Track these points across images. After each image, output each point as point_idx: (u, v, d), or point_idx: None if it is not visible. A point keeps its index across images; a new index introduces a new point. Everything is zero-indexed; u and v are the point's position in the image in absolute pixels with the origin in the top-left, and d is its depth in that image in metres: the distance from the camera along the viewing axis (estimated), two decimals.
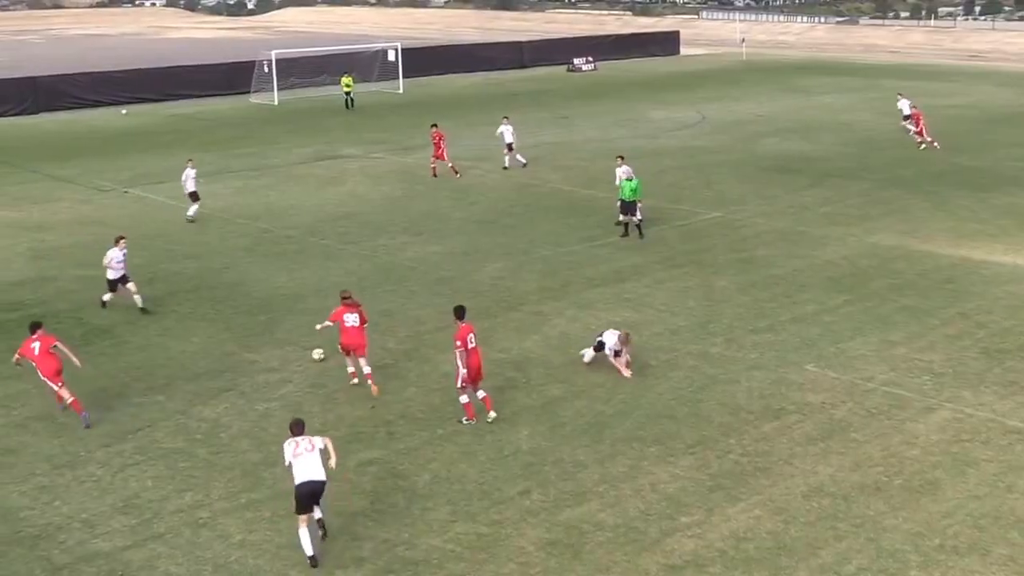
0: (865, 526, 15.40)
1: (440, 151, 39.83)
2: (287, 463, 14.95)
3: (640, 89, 68.92)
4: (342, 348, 20.55)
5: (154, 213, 35.57)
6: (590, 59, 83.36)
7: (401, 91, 68.93)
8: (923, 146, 44.47)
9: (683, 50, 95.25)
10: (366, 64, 72.09)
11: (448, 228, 32.76)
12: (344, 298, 20.49)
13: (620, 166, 32.62)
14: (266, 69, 66.40)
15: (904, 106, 48.17)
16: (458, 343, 18.43)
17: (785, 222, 32.76)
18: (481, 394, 18.96)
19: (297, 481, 14.76)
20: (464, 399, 18.80)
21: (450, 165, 39.86)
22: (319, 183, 39.97)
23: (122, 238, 25.49)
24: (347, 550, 15.05)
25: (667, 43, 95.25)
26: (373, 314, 24.54)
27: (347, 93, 61.38)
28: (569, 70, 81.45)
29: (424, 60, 78.30)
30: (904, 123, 47.58)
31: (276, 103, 63.63)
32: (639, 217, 30.94)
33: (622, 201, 30.88)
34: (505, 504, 16.18)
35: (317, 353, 21.89)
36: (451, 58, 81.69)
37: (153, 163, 44.66)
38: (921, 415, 18.99)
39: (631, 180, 30.83)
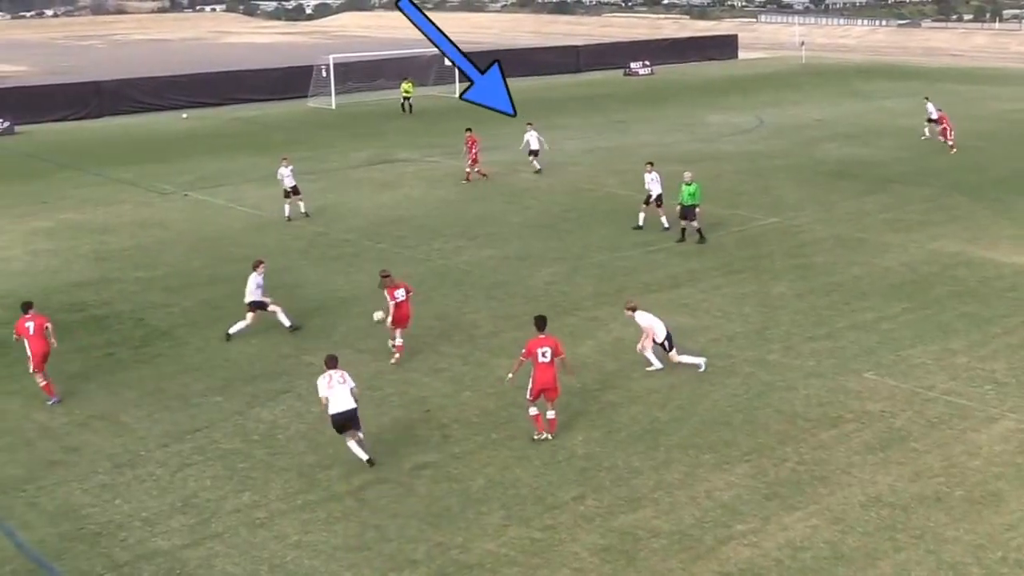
0: (925, 537, 15.23)
1: (474, 156, 39.91)
2: (323, 396, 17.32)
3: (697, 93, 68.65)
4: (394, 323, 22.09)
5: (213, 216, 36.02)
6: (646, 63, 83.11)
7: (457, 95, 69.11)
8: (953, 149, 44.39)
9: (741, 54, 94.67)
10: (422, 68, 72.39)
11: (503, 232, 32.85)
12: (384, 276, 22.31)
13: (649, 172, 32.53)
14: (324, 73, 66.95)
15: (931, 109, 48.02)
16: (523, 354, 18.17)
17: (844, 228, 32.48)
18: (551, 414, 18.39)
19: (332, 411, 17.31)
20: (532, 411, 18.35)
21: (477, 169, 40.04)
22: (375, 187, 40.25)
23: (261, 263, 24.18)
24: (401, 552, 15.16)
25: (725, 47, 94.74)
26: (427, 318, 24.77)
27: (406, 98, 61.69)
28: (625, 74, 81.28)
29: (481, 63, 78.34)
30: (929, 125, 47.53)
31: (333, 107, 64.15)
32: (697, 223, 30.83)
33: (681, 206, 30.75)
34: (559, 509, 16.20)
35: (378, 315, 22.43)
36: (507, 62, 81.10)
37: (212, 166, 45.23)
38: (983, 425, 18.74)
39: (690, 184, 30.71)
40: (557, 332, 23.41)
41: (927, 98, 50.33)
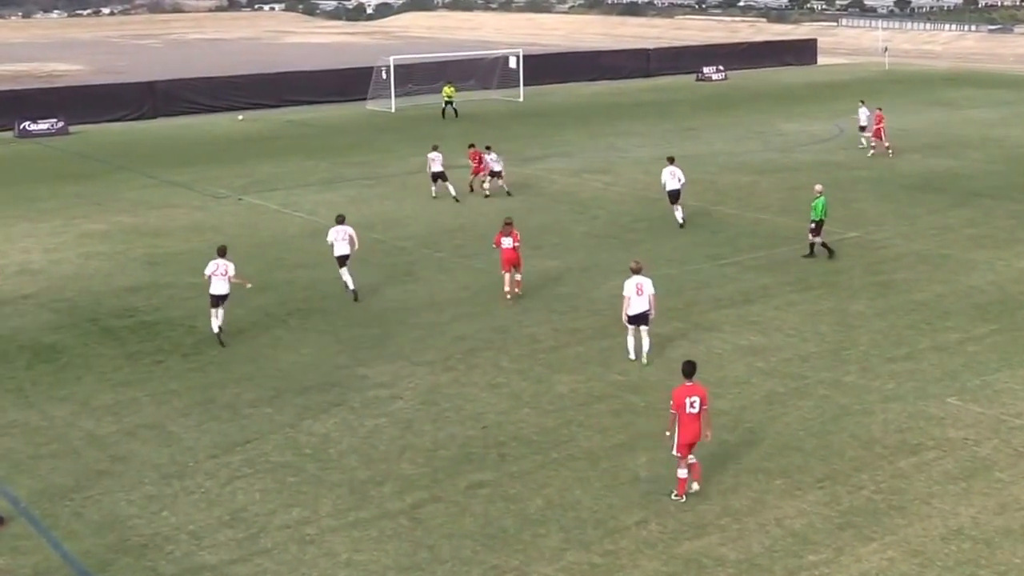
0: (1010, 574, 14.95)
1: (479, 168, 39.37)
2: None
3: (773, 100, 68.20)
4: (502, 268, 26.92)
5: (268, 221, 36.42)
6: (720, 68, 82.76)
7: (521, 99, 69.35)
8: (872, 152, 45.22)
9: (820, 59, 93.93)
10: (486, 71, 72.69)
11: (567, 242, 32.84)
12: (507, 223, 26.89)
13: (667, 167, 34.08)
14: (384, 75, 67.42)
15: (863, 115, 48.39)
16: (672, 406, 16.88)
17: (927, 244, 32.06)
18: (691, 459, 17.11)
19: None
20: (682, 473, 17.04)
21: (469, 180, 39.64)
22: (426, 193, 40.43)
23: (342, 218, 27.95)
24: (455, 574, 15.18)
25: (803, 52, 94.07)
26: (486, 330, 24.84)
27: (448, 102, 61.86)
28: (698, 79, 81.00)
29: (546, 67, 78.66)
30: (862, 134, 48.05)
31: (393, 110, 64.60)
32: (821, 238, 30.63)
33: (815, 221, 30.41)
34: (621, 534, 16.12)
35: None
36: (574, 65, 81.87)
37: (268, 170, 45.73)
38: None
39: (822, 197, 30.45)
40: (622, 348, 23.45)
41: (862, 101, 50.04)
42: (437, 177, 39.21)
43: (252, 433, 19.79)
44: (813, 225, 30.54)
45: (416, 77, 69.96)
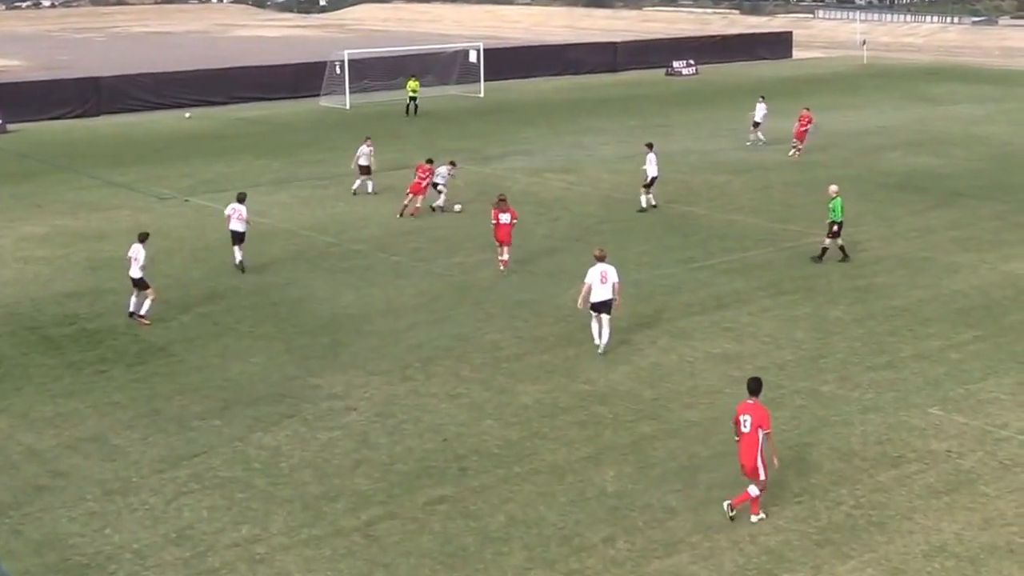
0: None
1: (419, 187, 36.75)
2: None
3: (746, 95, 68.44)
4: (496, 240, 29.46)
5: (216, 224, 36.13)
6: (691, 62, 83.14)
7: (482, 95, 69.40)
8: (796, 154, 45.72)
9: (796, 53, 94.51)
10: (445, 65, 72.65)
11: (529, 245, 32.86)
12: (501, 199, 29.77)
13: (648, 153, 36.33)
14: (338, 70, 67.23)
15: (760, 111, 48.96)
16: (734, 419, 16.98)
17: (908, 247, 32.33)
18: (753, 490, 16.92)
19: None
20: (752, 489, 16.83)
21: (417, 204, 36.78)
22: (391, 194, 40.32)
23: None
24: None
25: (778, 45, 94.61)
26: (445, 338, 24.82)
27: (412, 98, 61.80)
28: (667, 74, 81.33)
29: (508, 61, 78.72)
30: (755, 130, 48.68)
31: (347, 107, 64.46)
32: (840, 242, 30.81)
33: (835, 223, 30.49)
34: (587, 552, 16.14)
35: (458, 207, 31.32)
36: (537, 59, 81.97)
37: (216, 170, 45.51)
38: None
39: (839, 198, 30.61)
40: (587, 356, 23.51)
41: (762, 97, 50.55)
42: (363, 171, 39.84)
43: (199, 447, 19.67)
44: (835, 228, 30.57)
45: (372, 72, 69.81)
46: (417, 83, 62.52)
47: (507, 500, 17.65)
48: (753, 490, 16.82)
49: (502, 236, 29.63)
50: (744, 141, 49.32)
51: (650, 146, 36.94)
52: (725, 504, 16.89)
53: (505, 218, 29.51)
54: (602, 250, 24.11)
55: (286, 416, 20.94)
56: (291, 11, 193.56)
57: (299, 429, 20.37)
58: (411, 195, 36.81)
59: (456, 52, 74.86)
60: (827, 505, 17.33)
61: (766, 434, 16.61)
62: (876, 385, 22.08)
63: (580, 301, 23.78)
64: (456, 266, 30.95)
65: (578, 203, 38.58)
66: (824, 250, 30.74)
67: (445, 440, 19.84)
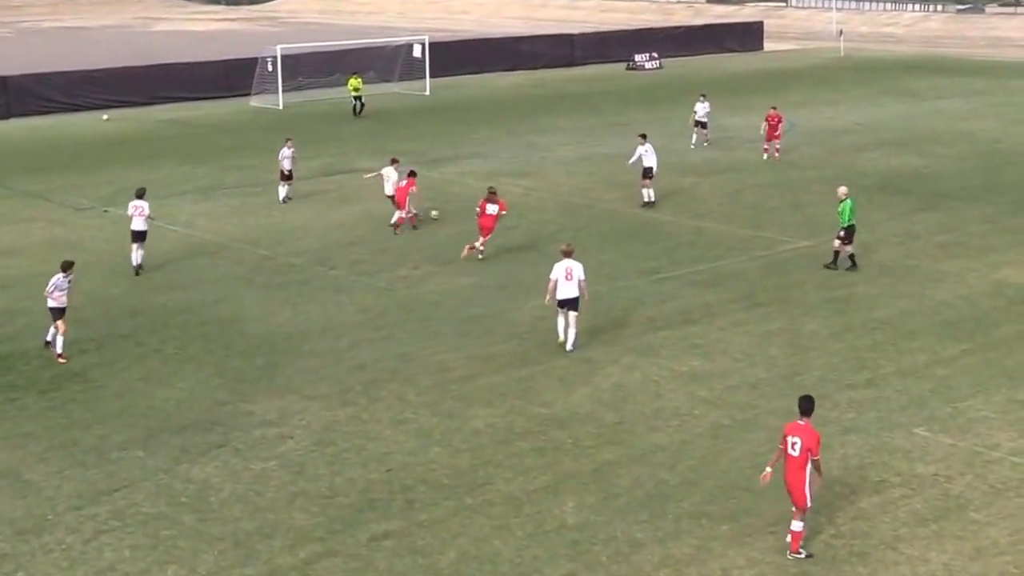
0: None
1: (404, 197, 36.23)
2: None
3: (714, 91, 68.83)
4: (480, 229, 31.79)
5: None
6: (654, 55, 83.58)
7: (428, 92, 69.42)
8: (766, 156, 45.95)
9: (767, 45, 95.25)
10: (387, 61, 72.57)
11: (481, 257, 32.91)
12: (491, 191, 32.00)
13: (643, 144, 38.23)
14: (269, 67, 67.00)
15: (701, 109, 49.48)
16: (780, 441, 17.00)
17: (890, 254, 32.63)
18: (795, 526, 16.88)
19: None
20: (795, 525, 16.83)
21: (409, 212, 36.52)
22: (329, 202, 40.31)
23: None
24: None
25: (748, 36, 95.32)
26: (389, 359, 24.80)
27: (356, 97, 61.76)
28: (629, 68, 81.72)
29: (456, 56, 78.78)
30: (697, 130, 49.37)
31: (280, 107, 64.28)
32: (851, 248, 31.08)
33: (846, 228, 30.80)
34: None
35: (435, 213, 33.99)
36: (488, 54, 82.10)
37: (138, 177, 45.03)
38: None
39: (849, 200, 30.87)
40: (544, 377, 23.58)
41: (703, 95, 50.94)
42: (283, 177, 40.08)
43: (121, 480, 19.54)
44: (842, 233, 30.86)
45: (307, 69, 69.64)
46: (359, 80, 62.47)
47: (458, 535, 17.65)
48: (797, 526, 16.78)
49: (486, 224, 31.76)
50: (702, 142, 49.49)
51: (644, 137, 38.87)
52: (789, 556, 16.74)
53: (492, 209, 31.63)
54: (569, 245, 25.74)
55: (216, 446, 20.84)
56: (218, 3, 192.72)
57: (230, 460, 20.27)
58: (402, 212, 36.01)
59: (399, 46, 74.80)
60: (805, 535, 17.41)
61: (815, 461, 16.62)
62: (857, 404, 22.26)
63: (547, 297, 25.18)
64: (401, 280, 30.94)
65: (535, 209, 38.67)
66: (836, 253, 30.99)
67: (390, 470, 19.80)
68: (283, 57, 66.78)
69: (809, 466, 16.57)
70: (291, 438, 21.11)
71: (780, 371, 24.05)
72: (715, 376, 23.71)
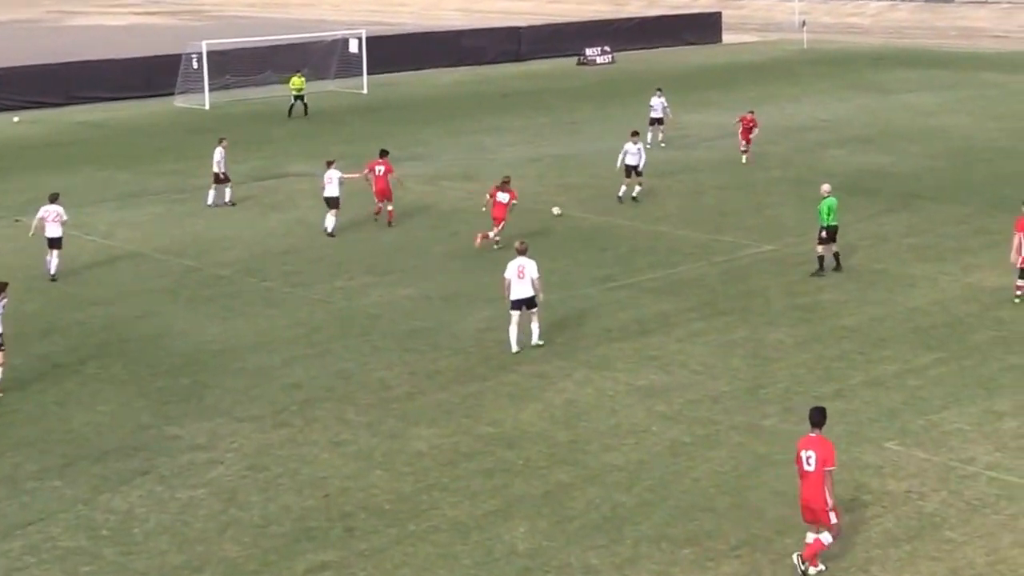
0: None
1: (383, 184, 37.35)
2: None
3: (671, 87, 69.15)
4: (493, 219, 33.68)
5: None
6: (606, 49, 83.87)
7: (365, 91, 69.30)
8: (745, 157, 45.72)
9: (726, 37, 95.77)
10: (321, 57, 72.33)
11: (423, 265, 32.88)
12: (504, 180, 34.09)
13: (635, 142, 39.44)
14: (195, 65, 66.69)
15: (657, 105, 49.92)
16: (796, 459, 17.08)
17: (858, 258, 32.84)
18: (813, 538, 16.97)
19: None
20: (808, 536, 17.10)
21: (389, 208, 37.64)
22: (260, 209, 40.14)
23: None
24: None
25: (705, 28, 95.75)
26: (327, 376, 24.70)
27: (298, 97, 61.55)
28: (580, 63, 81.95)
29: (395, 51, 78.67)
30: (653, 128, 49.65)
31: (207, 107, 63.98)
32: (835, 248, 31.26)
33: (825, 228, 30.98)
34: None
35: (556, 209, 36.29)
36: (429, 49, 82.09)
37: (52, 183, 44.55)
38: None
39: (830, 198, 31.03)
40: (492, 393, 23.57)
41: (659, 89, 51.26)
42: (216, 180, 40.14)
43: (36, 512, 19.35)
44: (823, 233, 31.05)
45: (235, 66, 69.35)
46: (302, 79, 62.26)
47: (401, 564, 17.59)
48: (826, 538, 16.82)
49: (497, 214, 33.65)
50: (659, 141, 49.66)
51: (636, 134, 40.49)
52: (795, 557, 16.89)
53: (503, 197, 33.60)
54: (523, 243, 26.51)
55: (139, 473, 20.67)
56: None
57: (155, 488, 20.11)
58: (380, 201, 37.31)
59: (334, 41, 74.63)
60: (771, 558, 17.50)
61: (830, 471, 16.71)
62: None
63: (506, 294, 26.05)
64: (338, 291, 30.83)
65: (480, 215, 38.56)
66: (821, 259, 31.15)
67: (327, 496, 19.72)
68: (209, 53, 66.47)
69: (826, 477, 16.67)
70: (221, 463, 20.97)
71: (743, 383, 24.13)
72: (674, 390, 23.76)
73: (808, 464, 16.68)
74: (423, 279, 31.59)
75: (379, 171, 37.26)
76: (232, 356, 26.26)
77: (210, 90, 65.36)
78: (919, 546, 17.81)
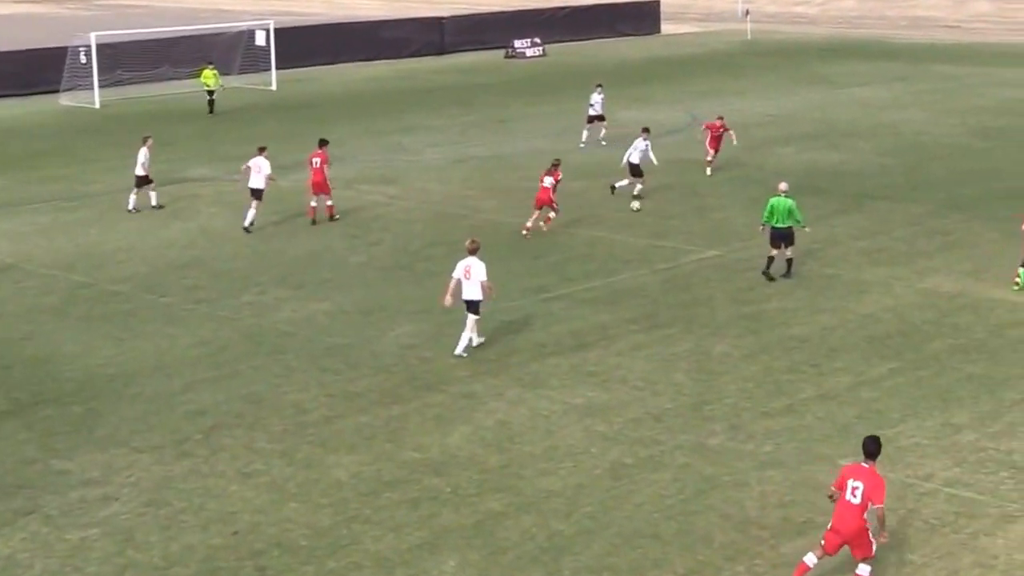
0: None
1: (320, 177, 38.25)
2: None
3: (607, 81, 69.44)
4: (535, 203, 35.75)
5: None
6: (536, 41, 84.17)
7: (274, 87, 69.07)
8: (710, 166, 44.82)
9: (665, 27, 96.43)
10: (225, 50, 72.04)
11: (340, 277, 32.73)
12: (554, 163, 36.24)
13: (643, 138, 40.32)
14: (83, 59, 66.15)
15: (596, 102, 50.33)
16: (835, 482, 17.22)
17: (807, 262, 33.06)
18: (863, 569, 17.04)
19: None
20: (808, 557, 17.16)
21: (329, 203, 38.49)
22: (159, 217, 39.81)
23: None
24: None
25: (642, 18, 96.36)
26: (235, 400, 24.51)
27: (210, 93, 61.22)
28: (508, 56, 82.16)
29: (306, 44, 78.56)
30: (589, 126, 50.16)
31: (97, 105, 63.49)
32: (790, 253, 31.43)
33: (773, 228, 31.16)
34: None
35: (635, 204, 38.60)
36: (344, 41, 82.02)
37: None
38: (999, 526, 19.15)
39: (785, 198, 31.13)
40: (417, 415, 23.49)
41: (599, 85, 51.57)
42: (141, 182, 40.11)
43: None
44: (768, 230, 31.31)
45: (128, 60, 68.89)
46: (214, 74, 61.83)
47: None
48: (864, 570, 16.89)
49: (541, 197, 35.63)
50: (599, 139, 49.83)
51: (646, 131, 41.09)
52: None
53: (547, 181, 35.66)
54: (474, 241, 27.26)
55: (23, 513, 20.34)
56: None
57: (40, 529, 19.81)
58: (315, 195, 38.29)
59: (239, 33, 74.37)
60: None
61: (879, 511, 16.68)
62: (774, 435, 22.48)
63: (448, 296, 26.62)
64: (246, 307, 30.62)
65: (401, 221, 38.59)
66: (771, 259, 31.35)
67: (236, 532, 19.53)
68: (99, 46, 65.96)
69: (868, 517, 16.64)
70: (116, 499, 20.70)
71: (687, 400, 24.20)
72: (613, 408, 23.78)
73: (854, 496, 16.65)
74: (340, 292, 31.44)
75: (315, 163, 37.62)
76: (128, 381, 25.97)
77: (100, 87, 64.87)
78: (878, 570, 17.83)
